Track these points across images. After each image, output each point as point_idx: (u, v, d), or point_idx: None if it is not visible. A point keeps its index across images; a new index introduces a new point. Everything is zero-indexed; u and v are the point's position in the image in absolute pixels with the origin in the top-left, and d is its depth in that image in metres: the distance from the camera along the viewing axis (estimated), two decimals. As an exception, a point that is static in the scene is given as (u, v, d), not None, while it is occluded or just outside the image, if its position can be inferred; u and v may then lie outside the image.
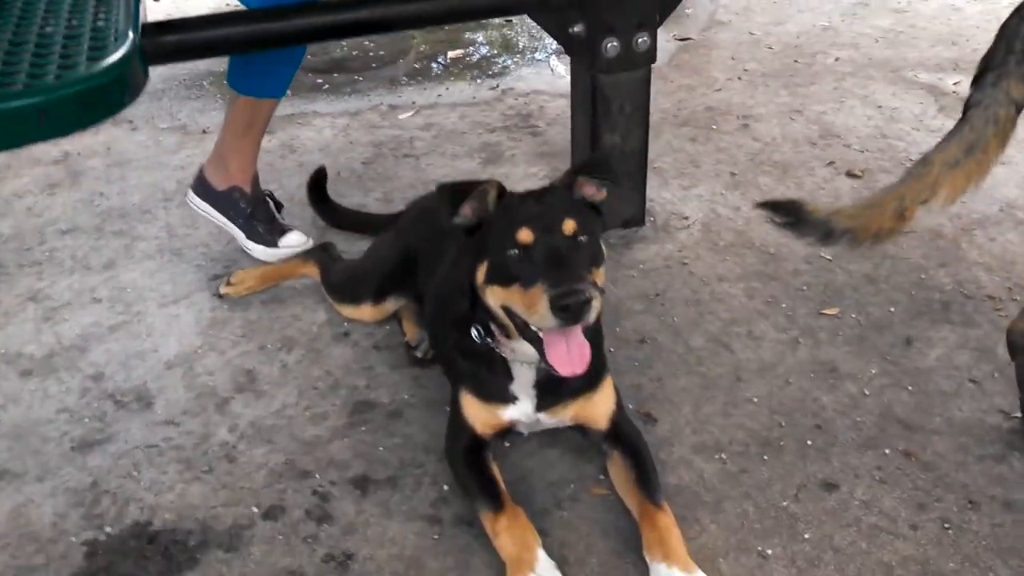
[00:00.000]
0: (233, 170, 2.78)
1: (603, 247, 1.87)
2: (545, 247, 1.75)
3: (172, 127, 3.90)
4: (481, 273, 1.84)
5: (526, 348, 1.87)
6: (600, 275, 1.82)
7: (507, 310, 1.81)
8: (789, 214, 1.96)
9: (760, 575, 1.81)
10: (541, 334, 1.77)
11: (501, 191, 1.88)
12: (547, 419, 2.02)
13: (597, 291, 1.75)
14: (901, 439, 2.12)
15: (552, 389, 1.98)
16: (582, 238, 1.79)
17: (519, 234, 1.76)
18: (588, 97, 2.68)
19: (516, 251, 1.77)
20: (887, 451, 2.09)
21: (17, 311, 2.72)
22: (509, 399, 1.99)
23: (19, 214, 3.26)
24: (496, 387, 1.99)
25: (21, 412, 2.33)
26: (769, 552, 1.86)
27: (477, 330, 1.95)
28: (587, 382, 1.98)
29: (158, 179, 3.44)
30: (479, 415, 2.00)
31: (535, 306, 1.70)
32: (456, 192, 1.86)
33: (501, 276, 1.79)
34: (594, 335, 1.98)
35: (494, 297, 1.83)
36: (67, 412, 2.33)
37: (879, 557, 1.83)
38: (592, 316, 1.71)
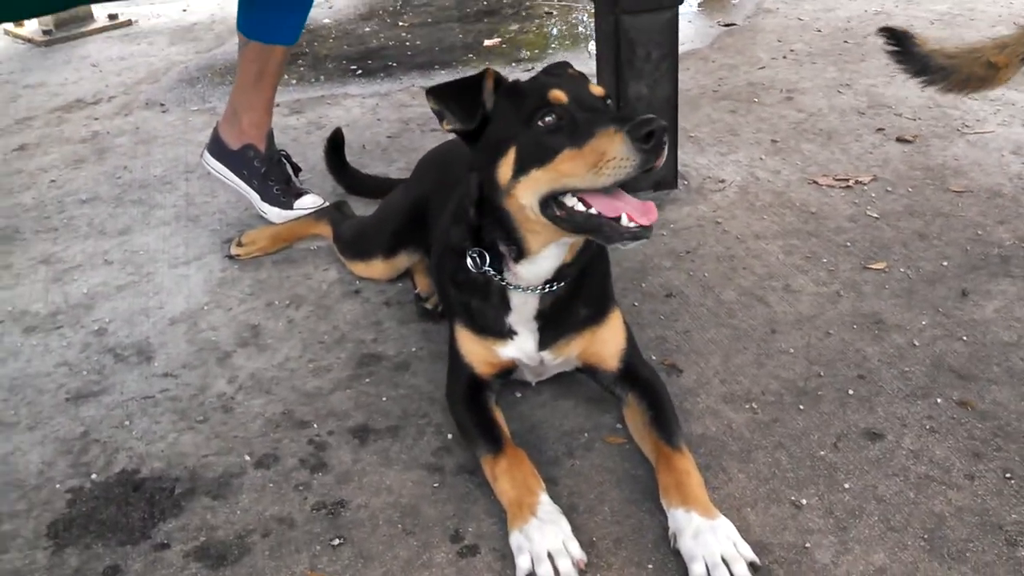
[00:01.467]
0: (246, 126, 2.69)
1: None
2: (584, 103, 1.56)
3: (202, 110, 3.86)
4: (506, 168, 1.60)
5: (536, 268, 1.70)
6: None
7: (547, 203, 1.57)
8: (898, 42, 2.02)
9: (793, 525, 1.61)
10: (594, 209, 1.54)
11: (498, 80, 1.69)
12: (551, 359, 1.85)
13: None
14: (955, 389, 1.91)
15: (553, 322, 1.80)
16: (610, 102, 1.63)
17: (551, 94, 1.56)
18: (612, 42, 2.53)
19: (551, 116, 1.55)
20: (939, 400, 1.88)
21: (28, 273, 2.66)
22: (506, 333, 1.82)
23: (42, 186, 3.22)
24: (491, 319, 1.81)
25: (20, 366, 2.25)
26: (804, 502, 1.66)
27: (473, 258, 1.75)
28: (591, 315, 1.82)
29: (181, 154, 3.38)
30: (475, 351, 1.84)
31: (609, 152, 1.46)
32: (458, 92, 1.66)
33: (539, 153, 1.55)
34: (599, 264, 1.82)
35: (532, 188, 1.57)
36: (66, 366, 2.24)
37: (929, 507, 1.63)
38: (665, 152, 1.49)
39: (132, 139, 3.58)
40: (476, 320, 1.83)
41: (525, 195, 1.60)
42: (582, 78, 1.72)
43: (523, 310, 1.79)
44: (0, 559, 1.67)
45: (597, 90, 1.63)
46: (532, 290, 1.76)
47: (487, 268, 1.75)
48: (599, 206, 1.54)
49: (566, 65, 1.83)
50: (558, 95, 1.57)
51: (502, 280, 1.76)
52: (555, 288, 1.75)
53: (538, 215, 1.60)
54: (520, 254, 1.71)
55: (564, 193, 1.56)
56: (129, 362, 2.23)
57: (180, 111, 3.86)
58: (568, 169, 1.53)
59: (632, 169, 1.46)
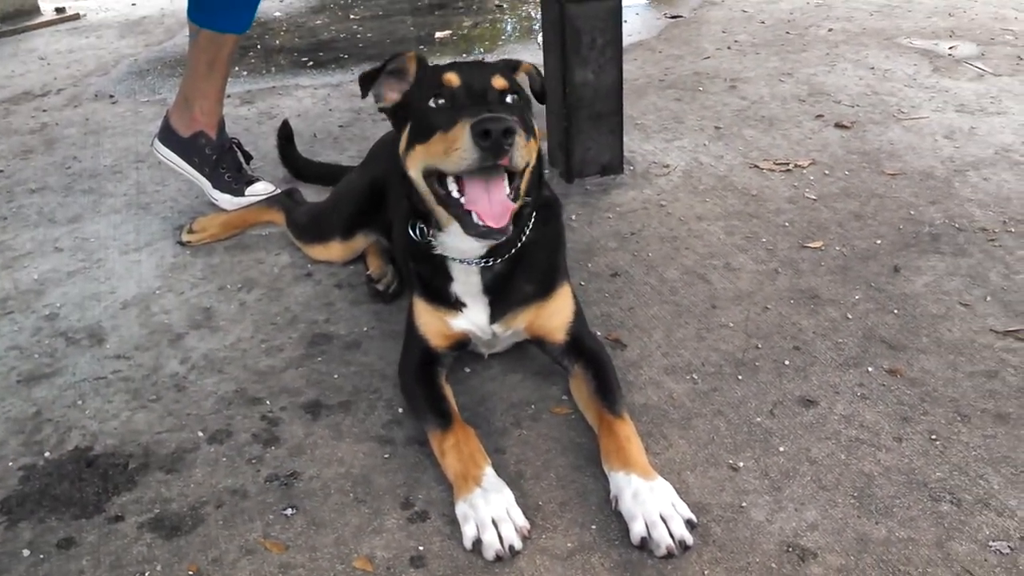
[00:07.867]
0: (197, 113, 2.70)
1: (536, 128, 1.74)
2: (471, 91, 1.64)
3: (152, 101, 3.86)
4: (403, 141, 1.71)
5: (457, 242, 1.74)
6: (529, 146, 1.64)
7: (428, 176, 1.67)
8: None
9: (730, 487, 1.68)
10: (463, 199, 1.62)
11: (422, 63, 1.77)
12: (501, 331, 1.90)
13: (526, 134, 1.59)
14: (886, 358, 2.00)
15: (502, 296, 1.85)
16: (512, 97, 1.67)
17: (444, 77, 1.65)
18: (558, 30, 2.59)
19: (441, 99, 1.64)
20: (870, 369, 1.97)
21: (-24, 261, 2.65)
22: (455, 304, 1.87)
23: (-11, 177, 3.20)
24: (440, 289, 1.86)
25: (-31, 351, 2.25)
26: (740, 464, 1.73)
27: (415, 229, 1.81)
28: (540, 289, 1.87)
29: (132, 143, 3.39)
30: (429, 323, 1.89)
31: (456, 142, 1.54)
32: (366, 74, 1.76)
33: (422, 131, 1.65)
34: (549, 239, 1.88)
35: (414, 162, 1.68)
36: (17, 349, 2.24)
37: (859, 467, 1.70)
38: (517, 155, 1.54)
39: (81, 130, 3.57)
40: (428, 290, 1.88)
41: (412, 167, 1.70)
42: (485, 68, 1.74)
43: (466, 282, 1.84)
44: (-48, 535, 1.68)
45: (499, 83, 1.68)
46: (469, 263, 1.80)
47: (429, 238, 1.80)
48: (469, 194, 1.62)
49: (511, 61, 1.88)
50: (450, 78, 1.65)
51: (437, 249, 1.81)
52: (494, 263, 1.80)
53: (425, 189, 1.69)
54: (437, 225, 1.76)
55: (442, 173, 1.63)
56: (81, 345, 2.24)
57: (130, 102, 3.85)
58: (435, 150, 1.62)
59: (471, 162, 1.53)
